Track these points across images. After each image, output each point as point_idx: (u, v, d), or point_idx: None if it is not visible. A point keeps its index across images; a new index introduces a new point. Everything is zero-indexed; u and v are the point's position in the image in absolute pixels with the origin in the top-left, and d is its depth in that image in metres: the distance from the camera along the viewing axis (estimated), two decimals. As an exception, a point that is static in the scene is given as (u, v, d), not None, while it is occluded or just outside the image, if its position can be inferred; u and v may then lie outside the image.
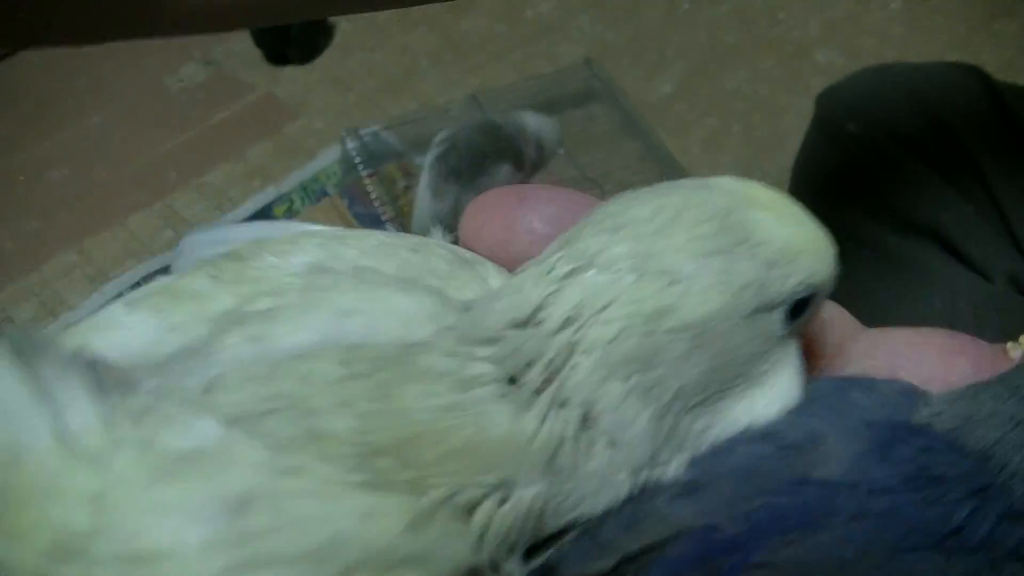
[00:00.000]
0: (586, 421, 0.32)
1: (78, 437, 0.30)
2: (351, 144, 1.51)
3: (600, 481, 0.32)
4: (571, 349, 0.32)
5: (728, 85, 1.78)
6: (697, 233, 0.33)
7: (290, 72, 1.90)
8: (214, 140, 1.77)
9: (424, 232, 0.93)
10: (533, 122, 1.07)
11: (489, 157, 0.98)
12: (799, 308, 0.34)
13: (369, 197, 1.49)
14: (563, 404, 0.32)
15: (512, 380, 0.32)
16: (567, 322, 0.32)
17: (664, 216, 0.33)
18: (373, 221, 1.45)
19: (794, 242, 0.33)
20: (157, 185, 1.69)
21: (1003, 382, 0.35)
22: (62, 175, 1.72)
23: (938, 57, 1.10)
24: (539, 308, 0.32)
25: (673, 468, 0.33)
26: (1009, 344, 0.39)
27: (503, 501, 0.31)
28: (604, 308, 0.32)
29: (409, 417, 0.31)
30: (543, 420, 0.32)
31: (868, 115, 0.98)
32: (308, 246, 0.37)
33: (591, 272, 0.32)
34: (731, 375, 0.33)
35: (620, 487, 0.33)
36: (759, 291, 0.32)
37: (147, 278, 1.48)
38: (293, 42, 1.88)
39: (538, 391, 0.32)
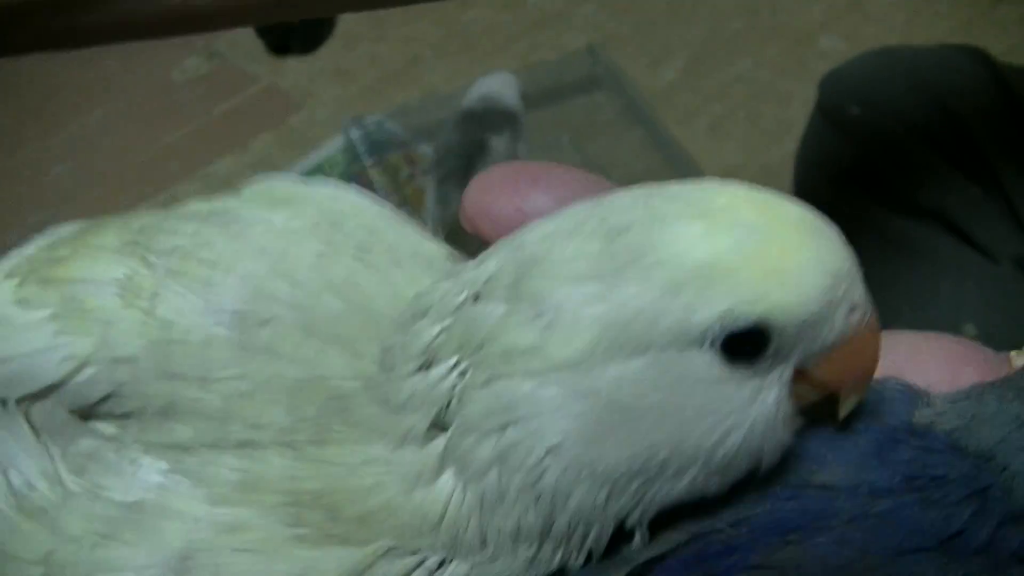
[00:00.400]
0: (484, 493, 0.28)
1: (25, 495, 0.30)
2: (355, 133, 1.51)
3: (524, 561, 0.29)
4: (459, 398, 0.28)
5: (732, 72, 1.78)
6: (579, 252, 0.27)
7: (293, 63, 1.90)
8: (218, 131, 1.77)
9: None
10: (490, 86, 1.06)
11: (477, 148, 0.98)
12: (755, 344, 0.27)
13: (373, 186, 1.49)
14: (462, 468, 0.28)
15: (441, 427, 0.29)
16: (453, 367, 0.28)
17: (557, 232, 0.28)
18: (378, 210, 1.44)
19: (722, 261, 0.26)
20: (161, 177, 1.69)
21: (1008, 384, 0.33)
22: (66, 169, 1.72)
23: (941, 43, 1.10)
24: (432, 348, 0.29)
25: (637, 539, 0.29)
26: (1014, 352, 0.37)
27: (440, 566, 0.28)
28: (479, 348, 0.28)
29: (331, 470, 0.29)
30: (448, 490, 0.28)
31: (871, 99, 0.97)
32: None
33: (477, 303, 0.28)
34: (669, 435, 0.27)
35: (549, 562, 0.29)
36: (652, 325, 0.26)
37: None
38: (295, 33, 1.88)
39: (439, 449, 0.28)
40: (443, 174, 0.96)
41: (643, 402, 0.26)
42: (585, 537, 0.28)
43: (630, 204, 0.28)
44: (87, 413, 0.31)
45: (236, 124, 1.78)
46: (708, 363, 0.27)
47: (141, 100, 1.85)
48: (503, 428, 0.27)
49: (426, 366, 0.28)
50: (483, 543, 0.28)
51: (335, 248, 0.33)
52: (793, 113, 1.62)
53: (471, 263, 0.30)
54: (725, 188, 0.29)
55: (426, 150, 1.40)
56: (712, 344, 0.26)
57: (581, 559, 0.28)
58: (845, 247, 0.28)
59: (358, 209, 0.35)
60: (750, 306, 0.26)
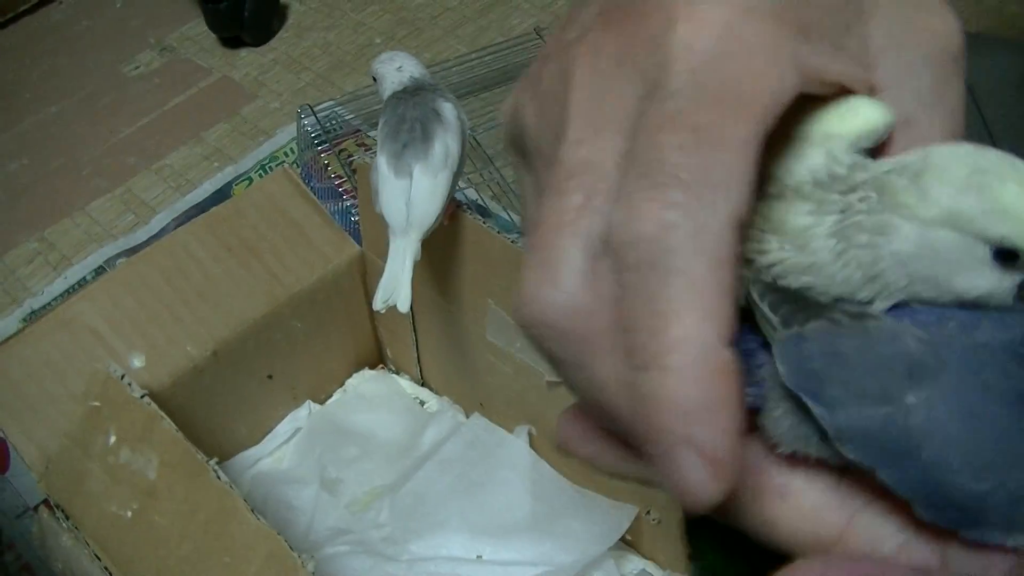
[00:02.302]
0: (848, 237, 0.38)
1: None
2: (307, 120, 1.52)
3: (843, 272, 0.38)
4: (864, 210, 0.38)
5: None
6: (952, 175, 0.38)
7: (245, 55, 1.91)
8: (172, 124, 1.78)
9: (400, 220, 0.94)
10: (401, 62, 1.07)
11: (433, 115, 0.99)
12: (1010, 259, 0.37)
13: (327, 172, 1.50)
14: (844, 238, 0.38)
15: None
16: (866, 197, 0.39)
17: (948, 156, 0.39)
18: (332, 195, 1.46)
19: (1019, 208, 0.37)
20: (117, 171, 1.70)
21: None
22: (21, 165, 1.73)
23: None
24: (858, 182, 0.39)
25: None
26: None
27: None
28: (887, 194, 0.38)
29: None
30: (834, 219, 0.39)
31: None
32: None
33: (889, 175, 0.39)
34: (935, 273, 0.38)
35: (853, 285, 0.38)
36: (970, 222, 0.37)
37: (110, 261, 1.50)
38: (247, 25, 1.89)
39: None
40: (400, 147, 0.96)
41: (946, 253, 0.37)
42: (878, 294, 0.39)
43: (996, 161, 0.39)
44: None
45: (190, 116, 1.79)
46: (985, 251, 0.37)
47: (95, 95, 1.86)
48: (878, 231, 0.38)
49: (851, 190, 0.39)
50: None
51: None
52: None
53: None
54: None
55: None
56: (989, 246, 0.37)
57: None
58: None
59: None
60: (1017, 239, 0.37)
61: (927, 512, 0.36)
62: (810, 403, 0.37)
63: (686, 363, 0.32)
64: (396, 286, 0.95)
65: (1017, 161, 0.38)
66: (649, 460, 0.35)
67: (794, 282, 0.39)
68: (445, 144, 0.97)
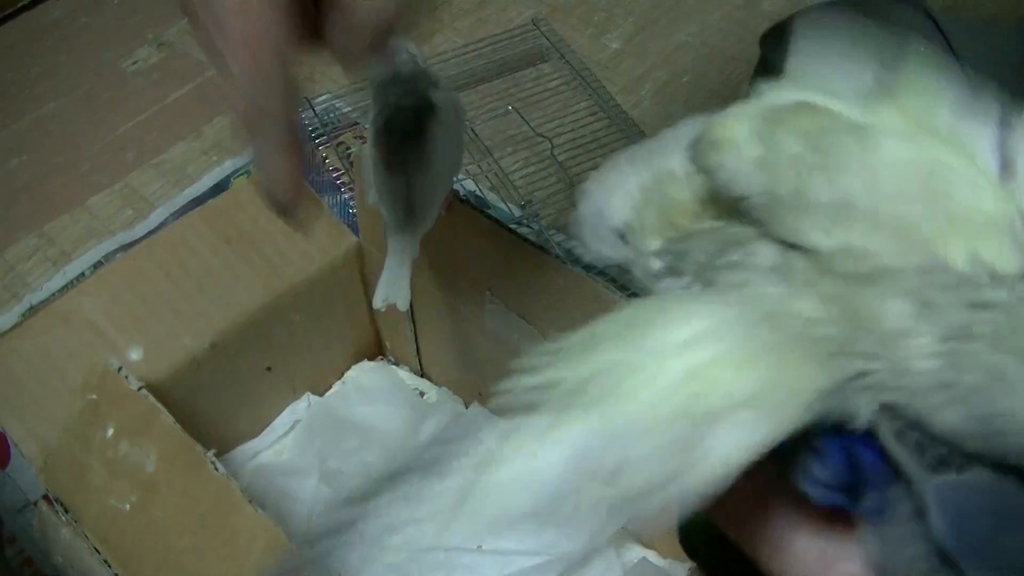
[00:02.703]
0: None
1: None
2: (304, 114, 1.52)
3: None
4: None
5: (676, 39, 1.80)
6: None
7: (243, 49, 1.90)
8: (171, 119, 1.78)
9: (394, 216, 0.93)
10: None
11: (425, 106, 0.96)
12: None
13: (326, 165, 1.50)
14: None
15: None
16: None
17: None
18: (331, 188, 1.46)
19: None
20: (116, 166, 1.70)
21: None
22: (21, 162, 1.73)
23: None
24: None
25: None
26: None
27: None
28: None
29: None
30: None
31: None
32: None
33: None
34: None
35: None
36: None
37: (108, 256, 1.49)
38: (244, 19, 1.89)
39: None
40: (395, 141, 0.94)
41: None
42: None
43: None
44: None
45: (189, 111, 1.79)
46: None
47: (93, 91, 1.85)
48: (994, 376, 0.31)
49: (982, 307, 0.32)
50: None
51: None
52: (739, 73, 1.64)
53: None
54: None
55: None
56: None
57: None
58: None
59: None
60: None
61: None
62: (966, 567, 0.32)
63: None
64: (395, 285, 0.94)
65: None
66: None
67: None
68: (440, 137, 0.95)
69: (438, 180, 0.95)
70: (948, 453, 0.33)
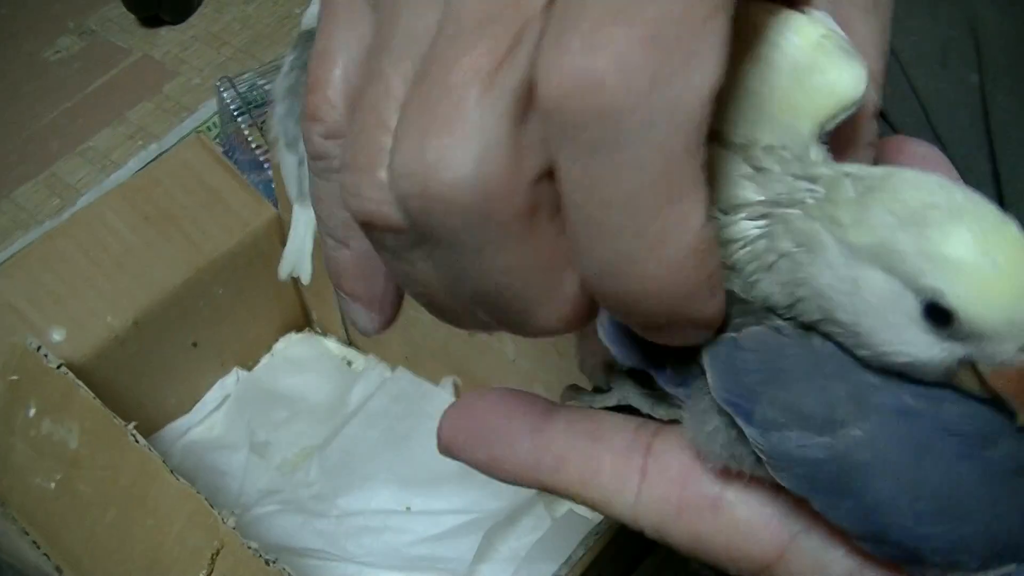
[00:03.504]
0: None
1: None
2: (226, 93, 1.51)
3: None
4: (796, 207, 0.34)
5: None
6: (898, 206, 0.32)
7: (165, 33, 1.90)
8: (95, 106, 1.77)
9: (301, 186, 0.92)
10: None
11: None
12: (945, 318, 0.32)
13: (249, 144, 1.49)
14: (771, 238, 0.34)
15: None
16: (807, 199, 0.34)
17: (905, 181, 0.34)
18: (255, 167, 1.45)
19: (960, 261, 0.31)
20: (41, 156, 1.69)
21: None
22: (-55, 155, 1.72)
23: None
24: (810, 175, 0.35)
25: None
26: None
27: None
28: (828, 203, 0.33)
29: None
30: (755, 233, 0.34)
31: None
32: None
33: (845, 178, 0.34)
34: (855, 318, 0.33)
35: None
36: (903, 262, 0.32)
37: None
38: (165, 4, 1.88)
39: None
40: (290, 84, 0.92)
41: (869, 294, 0.32)
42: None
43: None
44: None
45: (112, 97, 1.78)
46: (915, 305, 0.32)
47: (15, 82, 1.84)
48: (803, 241, 0.33)
49: (806, 179, 0.34)
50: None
51: None
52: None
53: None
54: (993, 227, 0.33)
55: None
56: (918, 299, 0.32)
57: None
58: None
59: None
60: (951, 299, 0.31)
61: (866, 546, 0.33)
62: (741, 422, 0.33)
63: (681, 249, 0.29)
64: (299, 257, 0.93)
65: (987, 208, 0.32)
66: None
67: None
68: None
69: None
70: (731, 312, 0.34)
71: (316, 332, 1.29)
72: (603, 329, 0.36)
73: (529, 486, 0.40)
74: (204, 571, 0.82)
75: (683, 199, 0.28)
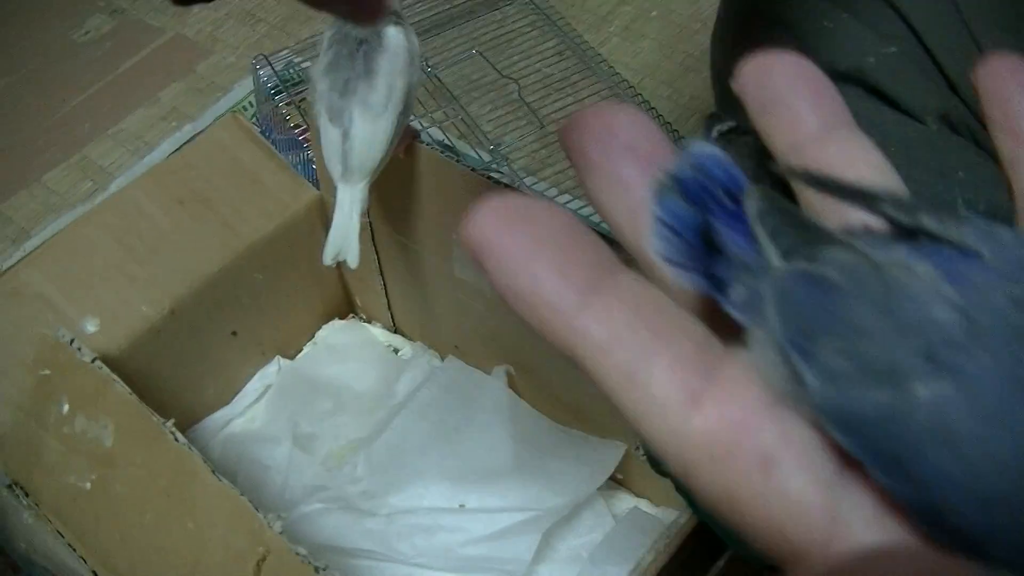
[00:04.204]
0: None
1: None
2: (263, 72, 1.46)
3: None
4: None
5: (644, -26, 1.75)
6: None
7: (197, 11, 1.86)
8: (126, 87, 1.73)
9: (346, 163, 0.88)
10: None
11: (374, 37, 0.90)
12: None
13: (287, 123, 1.45)
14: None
15: None
16: None
17: None
18: (294, 146, 1.41)
19: None
20: (72, 139, 1.65)
21: None
22: (-25, 142, 1.68)
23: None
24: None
25: None
26: None
27: None
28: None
29: None
30: None
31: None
32: None
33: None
34: None
35: None
36: None
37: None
38: (197, -19, 1.84)
39: None
40: (341, 82, 0.88)
41: None
42: None
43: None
44: None
45: (144, 78, 1.74)
46: None
47: (46, 64, 1.80)
48: None
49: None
50: None
51: None
52: (708, 5, 1.59)
53: None
54: None
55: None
56: None
57: None
58: None
59: None
60: None
61: (922, 526, 0.28)
62: (802, 367, 0.29)
63: None
64: (345, 239, 0.89)
65: None
66: None
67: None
68: (390, 79, 0.90)
69: (383, 127, 0.89)
70: (793, 243, 0.29)
71: (360, 319, 1.24)
72: (655, 246, 0.31)
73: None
74: (249, 578, 0.78)
75: None
